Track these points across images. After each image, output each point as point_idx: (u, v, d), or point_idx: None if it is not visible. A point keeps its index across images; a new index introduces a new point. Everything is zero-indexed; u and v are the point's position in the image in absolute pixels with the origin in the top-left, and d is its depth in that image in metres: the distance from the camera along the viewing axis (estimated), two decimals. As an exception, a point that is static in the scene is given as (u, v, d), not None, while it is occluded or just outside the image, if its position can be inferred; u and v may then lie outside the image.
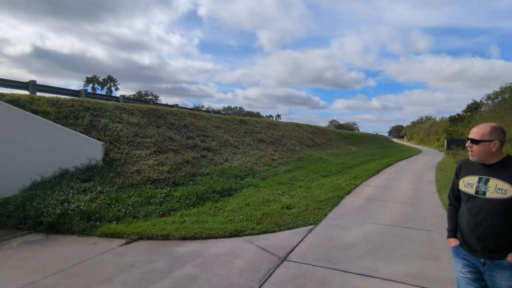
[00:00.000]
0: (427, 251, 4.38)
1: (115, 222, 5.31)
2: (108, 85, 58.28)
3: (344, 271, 3.69)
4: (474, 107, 39.87)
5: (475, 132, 1.98)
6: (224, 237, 4.88)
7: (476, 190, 1.98)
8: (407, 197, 8.19)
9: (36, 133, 7.08)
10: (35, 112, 7.58)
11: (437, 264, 3.96)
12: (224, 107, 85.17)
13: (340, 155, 19.20)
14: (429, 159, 23.99)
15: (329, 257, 4.12)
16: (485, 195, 1.93)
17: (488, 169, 1.96)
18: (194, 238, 4.81)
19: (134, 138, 8.95)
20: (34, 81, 11.00)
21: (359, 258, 4.09)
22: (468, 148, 2.02)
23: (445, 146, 37.12)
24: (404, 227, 5.51)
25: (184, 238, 4.80)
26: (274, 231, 5.19)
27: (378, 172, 13.69)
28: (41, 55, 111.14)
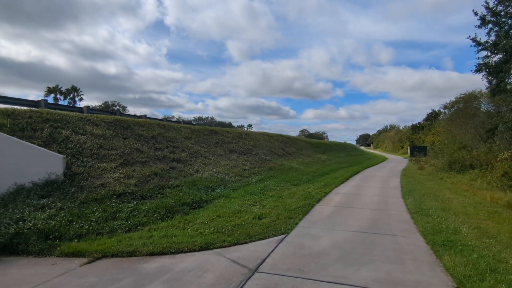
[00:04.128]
0: (393, 256, 4.52)
1: (76, 240, 5.00)
2: (71, 95, 55.51)
3: (315, 280, 3.71)
4: (433, 116, 42.54)
5: None
6: (194, 251, 4.75)
7: None
8: (374, 203, 8.47)
9: (-12, 147, 6.56)
10: (-13, 124, 7.06)
11: (402, 268, 4.10)
12: (195, 117, 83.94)
13: (311, 164, 19.56)
14: (394, 165, 25.13)
15: (300, 266, 4.13)
16: None
17: None
18: (162, 253, 4.64)
19: (98, 151, 8.56)
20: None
21: (329, 266, 4.14)
22: None
23: (409, 153, 39.03)
24: (371, 233, 5.68)
25: (151, 254, 4.61)
26: (245, 243, 5.13)
27: (346, 179, 14.11)
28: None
